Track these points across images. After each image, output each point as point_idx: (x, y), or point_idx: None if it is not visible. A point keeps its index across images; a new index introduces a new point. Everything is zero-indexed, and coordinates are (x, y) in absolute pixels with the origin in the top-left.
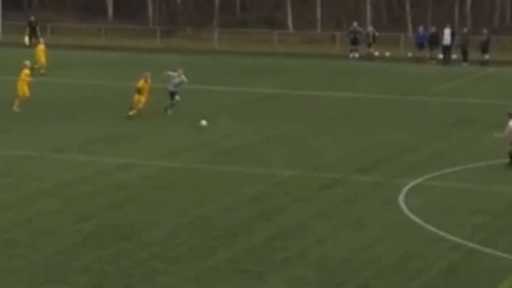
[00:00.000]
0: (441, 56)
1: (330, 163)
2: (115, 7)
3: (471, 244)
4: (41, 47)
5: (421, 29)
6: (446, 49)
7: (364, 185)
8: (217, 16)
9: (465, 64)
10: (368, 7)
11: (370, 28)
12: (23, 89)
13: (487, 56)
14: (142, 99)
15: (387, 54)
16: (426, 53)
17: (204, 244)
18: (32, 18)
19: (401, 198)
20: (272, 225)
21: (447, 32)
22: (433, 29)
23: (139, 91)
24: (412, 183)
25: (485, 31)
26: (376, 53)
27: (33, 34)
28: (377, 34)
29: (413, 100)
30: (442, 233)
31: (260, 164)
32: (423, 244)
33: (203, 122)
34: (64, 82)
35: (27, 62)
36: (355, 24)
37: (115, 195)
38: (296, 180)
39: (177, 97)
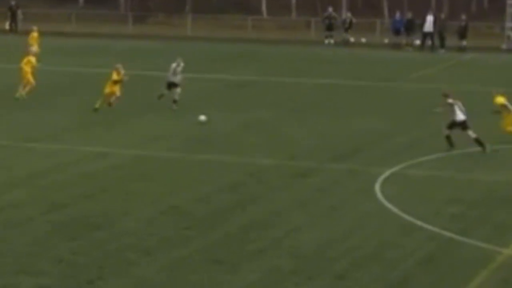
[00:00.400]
0: (418, 42)
1: (305, 152)
2: None
3: (448, 234)
4: (34, 34)
5: (397, 15)
6: (428, 36)
7: (340, 174)
8: (190, 2)
9: (442, 50)
10: None
11: (347, 14)
12: (112, 89)
13: (464, 42)
14: (117, 91)
15: (363, 40)
16: (403, 39)
17: (177, 234)
18: (13, 3)
19: (377, 187)
20: (246, 214)
21: (429, 19)
22: (409, 15)
23: (115, 83)
24: (389, 172)
25: (463, 17)
26: (352, 39)
27: (13, 19)
28: (353, 20)
29: (389, 87)
30: (419, 223)
31: (235, 153)
32: (400, 233)
33: (202, 118)
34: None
35: (33, 49)
36: (330, 9)
37: (88, 184)
38: (272, 169)
39: (178, 90)
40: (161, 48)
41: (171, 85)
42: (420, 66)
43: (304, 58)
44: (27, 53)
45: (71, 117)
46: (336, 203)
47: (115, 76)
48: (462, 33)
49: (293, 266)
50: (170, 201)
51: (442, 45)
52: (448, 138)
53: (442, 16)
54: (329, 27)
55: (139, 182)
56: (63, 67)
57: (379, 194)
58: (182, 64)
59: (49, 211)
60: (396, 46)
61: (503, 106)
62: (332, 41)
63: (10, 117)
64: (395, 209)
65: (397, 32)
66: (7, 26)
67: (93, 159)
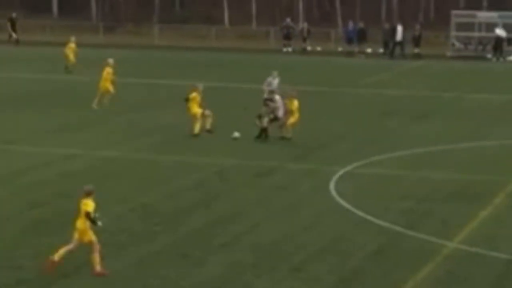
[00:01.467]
0: (369, 50)
1: (266, 152)
2: (59, 4)
3: (397, 228)
4: (71, 45)
5: (350, 24)
6: (398, 44)
7: (297, 173)
8: (157, 12)
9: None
10: (301, 3)
11: (304, 24)
12: (106, 86)
13: (417, 50)
14: (111, 88)
15: (319, 48)
16: (355, 47)
17: (146, 230)
18: (14, 15)
19: (331, 185)
20: (212, 210)
21: (399, 28)
22: (361, 25)
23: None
24: (342, 171)
25: (417, 26)
26: (309, 48)
27: (13, 30)
28: (310, 29)
29: (343, 92)
30: (370, 218)
31: (200, 153)
32: (353, 228)
33: (236, 134)
34: (11, 77)
35: (110, 60)
36: (288, 19)
37: (62, 184)
38: (235, 169)
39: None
40: (129, 56)
41: (267, 100)
42: (372, 72)
43: (264, 66)
44: (106, 64)
45: (45, 121)
46: (293, 201)
47: (109, 70)
48: (416, 42)
49: (253, 259)
50: (139, 199)
51: (392, 54)
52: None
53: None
54: (287, 36)
55: (109, 181)
56: (38, 75)
57: (333, 192)
58: (277, 79)
59: (26, 209)
60: (349, 54)
61: None
62: (290, 49)
63: None
64: (348, 205)
65: (350, 40)
66: (14, 35)
67: (66, 160)
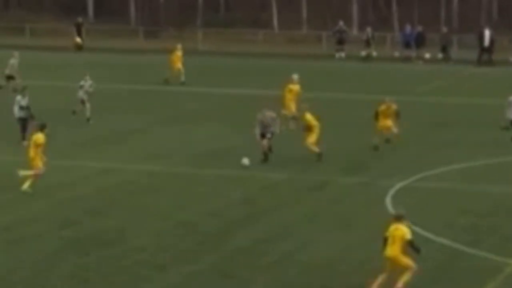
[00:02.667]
0: (428, 55)
1: (316, 166)
2: (95, 6)
3: (457, 245)
4: (178, 53)
5: (408, 28)
6: (486, 51)
7: (350, 187)
8: (201, 16)
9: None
10: (355, 6)
11: (368, 29)
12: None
13: (487, 57)
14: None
15: (374, 54)
16: (413, 52)
17: (189, 249)
18: (80, 20)
19: (387, 200)
20: (259, 227)
21: (487, 33)
22: (419, 28)
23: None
24: (398, 185)
25: (490, 31)
26: (374, 53)
27: (79, 35)
28: (374, 34)
29: (399, 100)
30: (428, 234)
31: (245, 168)
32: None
33: (246, 161)
34: (45, 85)
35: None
36: (341, 23)
37: (98, 200)
38: (282, 183)
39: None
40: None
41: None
42: (432, 78)
43: (315, 72)
44: (290, 81)
45: (80, 133)
46: (348, 216)
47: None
48: (489, 47)
49: (305, 279)
50: (181, 216)
51: (447, 58)
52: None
53: (445, 30)
54: (340, 41)
55: (149, 197)
56: (72, 83)
57: (389, 207)
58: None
59: (61, 227)
60: (406, 59)
61: None
62: (343, 54)
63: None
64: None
65: (407, 45)
66: (79, 40)
67: (103, 175)
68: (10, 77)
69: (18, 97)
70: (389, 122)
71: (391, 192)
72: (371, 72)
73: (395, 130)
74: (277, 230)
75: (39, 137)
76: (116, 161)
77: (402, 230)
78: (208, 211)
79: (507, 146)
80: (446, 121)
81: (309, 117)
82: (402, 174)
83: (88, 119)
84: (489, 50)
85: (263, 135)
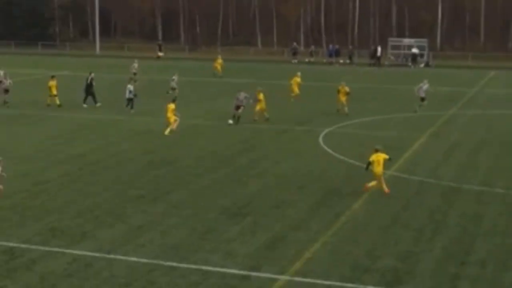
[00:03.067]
0: (341, 61)
1: (281, 121)
2: (163, 33)
3: (357, 163)
4: (219, 61)
5: (330, 46)
6: (377, 58)
7: (302, 131)
8: (220, 39)
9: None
10: (302, 34)
11: (312, 46)
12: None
13: (373, 61)
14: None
15: (312, 59)
16: (333, 59)
17: (214, 165)
18: (160, 42)
19: (320, 139)
20: (250, 154)
21: (379, 49)
22: (337, 46)
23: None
24: (326, 130)
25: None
26: (308, 60)
27: (160, 50)
28: (314, 48)
29: (329, 85)
30: (342, 157)
31: (244, 123)
32: (333, 164)
33: (230, 121)
34: (151, 78)
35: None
36: (294, 43)
37: (165, 140)
38: (264, 131)
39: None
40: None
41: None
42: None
43: (281, 70)
44: (295, 75)
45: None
46: (300, 147)
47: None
48: (372, 54)
49: (277, 181)
50: (210, 148)
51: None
52: None
53: (350, 47)
54: (294, 53)
55: (192, 138)
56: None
57: (321, 143)
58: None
59: (143, 154)
60: (330, 63)
61: None
62: (296, 61)
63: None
64: (329, 150)
65: (330, 55)
66: (160, 54)
67: (163, 125)
68: (135, 74)
69: (129, 85)
70: (342, 97)
71: (322, 134)
72: (312, 70)
73: (345, 103)
74: (260, 155)
75: (171, 105)
76: (183, 117)
77: (382, 155)
78: (224, 145)
79: (394, 110)
80: (356, 97)
81: (261, 95)
82: (328, 125)
83: (176, 97)
84: (379, 58)
85: (238, 107)
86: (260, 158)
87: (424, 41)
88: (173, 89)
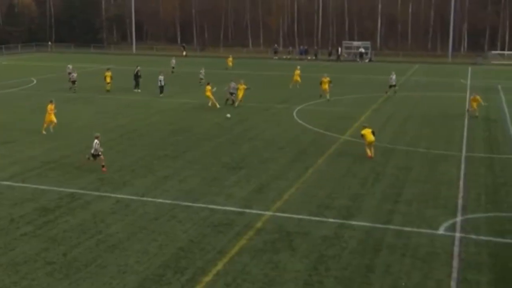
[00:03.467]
0: (309, 58)
1: (267, 100)
2: (181, 36)
3: (321, 131)
4: (297, 72)
5: (302, 47)
6: (339, 55)
7: (281, 108)
8: (222, 41)
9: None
10: (281, 38)
11: (290, 47)
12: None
13: (333, 57)
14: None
15: (288, 56)
16: (304, 57)
17: (219, 133)
18: (184, 44)
19: (294, 113)
20: (244, 125)
21: (339, 49)
22: (306, 47)
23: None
24: (298, 107)
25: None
26: (286, 57)
27: (184, 50)
28: (292, 49)
29: (302, 76)
30: (311, 127)
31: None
32: (302, 131)
33: (228, 115)
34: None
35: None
36: (275, 45)
37: (181, 113)
38: (253, 108)
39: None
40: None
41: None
42: (314, 67)
43: (265, 65)
44: (296, 69)
45: (195, 89)
46: (280, 120)
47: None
48: (330, 53)
49: (264, 144)
50: (215, 120)
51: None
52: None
53: (315, 47)
54: (275, 52)
55: (200, 112)
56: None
57: (295, 116)
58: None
59: (167, 125)
60: (301, 59)
61: None
62: (276, 57)
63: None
64: (301, 122)
65: (301, 53)
66: (185, 53)
67: (183, 105)
68: (173, 68)
69: (160, 76)
70: (325, 86)
71: (295, 110)
72: (289, 64)
73: (327, 90)
74: (251, 126)
75: (208, 87)
76: (192, 98)
77: (370, 128)
78: (224, 119)
79: (347, 93)
80: (319, 82)
81: (242, 86)
82: (300, 103)
83: (208, 82)
84: (340, 55)
85: (231, 93)
86: (251, 127)
87: (368, 43)
88: (201, 79)
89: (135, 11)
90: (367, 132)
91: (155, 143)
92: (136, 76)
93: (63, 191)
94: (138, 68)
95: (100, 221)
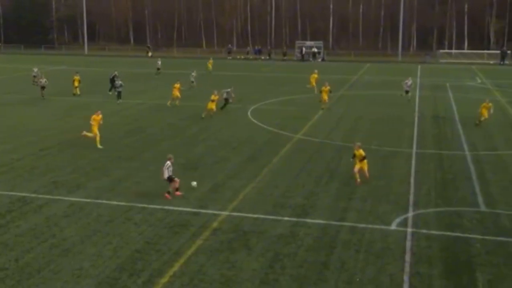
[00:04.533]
0: (263, 57)
1: (232, 105)
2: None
3: (276, 130)
4: (314, 75)
5: (256, 48)
6: (315, 55)
7: (237, 108)
8: (176, 40)
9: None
10: (235, 38)
11: (248, 47)
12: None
13: (286, 57)
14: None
15: (242, 57)
16: (258, 56)
17: (172, 133)
18: (149, 45)
19: (249, 113)
20: (198, 125)
21: (303, 49)
22: (260, 47)
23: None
24: (253, 107)
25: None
26: (243, 57)
27: (149, 50)
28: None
29: (251, 75)
30: (265, 126)
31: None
32: (257, 130)
33: (194, 183)
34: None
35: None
36: (229, 45)
37: (136, 114)
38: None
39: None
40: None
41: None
42: (264, 66)
43: (222, 65)
44: (312, 72)
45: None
46: (236, 119)
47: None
48: (284, 53)
49: (218, 144)
50: (169, 122)
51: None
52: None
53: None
54: (229, 52)
55: (157, 114)
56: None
57: (250, 116)
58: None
59: (123, 126)
60: (256, 59)
61: None
62: (230, 57)
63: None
64: (255, 121)
65: (255, 53)
66: (150, 53)
67: (138, 105)
68: (158, 69)
69: (119, 81)
70: (325, 96)
71: (250, 110)
72: (246, 64)
73: (326, 100)
74: (205, 126)
75: (177, 85)
76: (148, 99)
77: (362, 151)
78: (179, 119)
79: (301, 92)
80: (273, 82)
81: (214, 96)
82: (254, 103)
83: (193, 86)
84: (303, 55)
85: (226, 100)
86: (206, 127)
87: (320, 43)
88: (192, 82)
89: (86, 11)
90: (359, 154)
91: (109, 145)
92: (112, 80)
93: (15, 195)
94: (116, 72)
95: (53, 224)
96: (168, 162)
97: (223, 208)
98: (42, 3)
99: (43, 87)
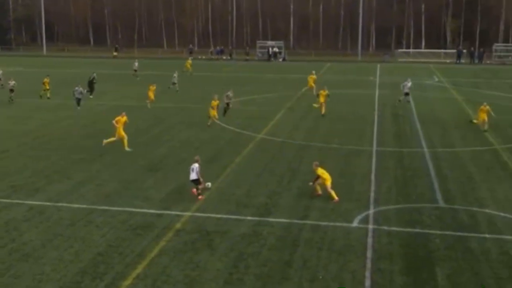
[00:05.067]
0: (224, 57)
1: (182, 100)
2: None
3: (238, 130)
4: (313, 76)
5: (217, 48)
6: (274, 56)
7: (196, 108)
8: (138, 40)
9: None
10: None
11: (230, 48)
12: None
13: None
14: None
15: (224, 57)
16: (219, 57)
17: (134, 134)
18: (117, 46)
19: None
20: (160, 126)
21: (276, 49)
22: (222, 47)
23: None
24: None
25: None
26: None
27: (116, 51)
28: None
29: (216, 75)
30: (232, 128)
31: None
32: (218, 131)
33: (208, 184)
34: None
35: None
36: (212, 48)
37: (94, 116)
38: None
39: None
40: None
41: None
42: (227, 66)
43: (201, 65)
44: (310, 73)
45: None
46: (195, 121)
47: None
48: (247, 52)
49: (180, 145)
50: (132, 123)
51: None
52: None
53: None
54: (190, 53)
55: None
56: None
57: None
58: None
59: (82, 127)
60: (217, 59)
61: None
62: (192, 57)
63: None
64: (218, 122)
65: (217, 54)
66: (116, 53)
67: (97, 107)
68: (135, 71)
69: (79, 88)
70: (322, 99)
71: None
72: (208, 64)
73: (323, 105)
74: (167, 127)
75: (152, 87)
76: (107, 100)
77: (326, 173)
78: (141, 120)
79: (263, 92)
80: (234, 82)
81: (214, 102)
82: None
83: (177, 90)
84: (271, 55)
85: (227, 104)
86: (167, 128)
87: (281, 43)
88: (174, 83)
89: (44, 11)
90: (324, 175)
91: (69, 147)
92: (91, 83)
93: None
94: (94, 74)
95: (12, 229)
96: (196, 164)
97: (186, 209)
98: None
99: (11, 90)
